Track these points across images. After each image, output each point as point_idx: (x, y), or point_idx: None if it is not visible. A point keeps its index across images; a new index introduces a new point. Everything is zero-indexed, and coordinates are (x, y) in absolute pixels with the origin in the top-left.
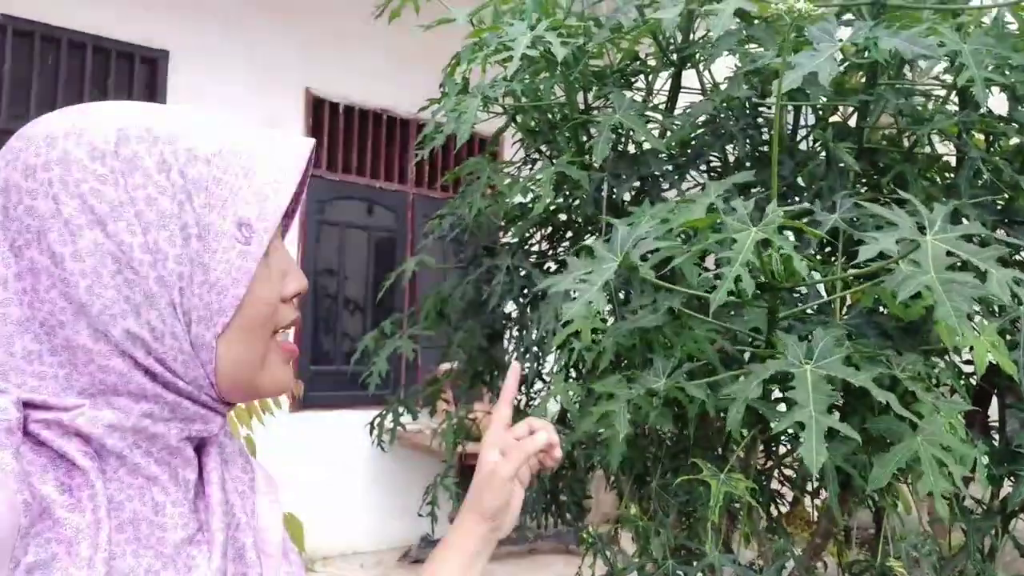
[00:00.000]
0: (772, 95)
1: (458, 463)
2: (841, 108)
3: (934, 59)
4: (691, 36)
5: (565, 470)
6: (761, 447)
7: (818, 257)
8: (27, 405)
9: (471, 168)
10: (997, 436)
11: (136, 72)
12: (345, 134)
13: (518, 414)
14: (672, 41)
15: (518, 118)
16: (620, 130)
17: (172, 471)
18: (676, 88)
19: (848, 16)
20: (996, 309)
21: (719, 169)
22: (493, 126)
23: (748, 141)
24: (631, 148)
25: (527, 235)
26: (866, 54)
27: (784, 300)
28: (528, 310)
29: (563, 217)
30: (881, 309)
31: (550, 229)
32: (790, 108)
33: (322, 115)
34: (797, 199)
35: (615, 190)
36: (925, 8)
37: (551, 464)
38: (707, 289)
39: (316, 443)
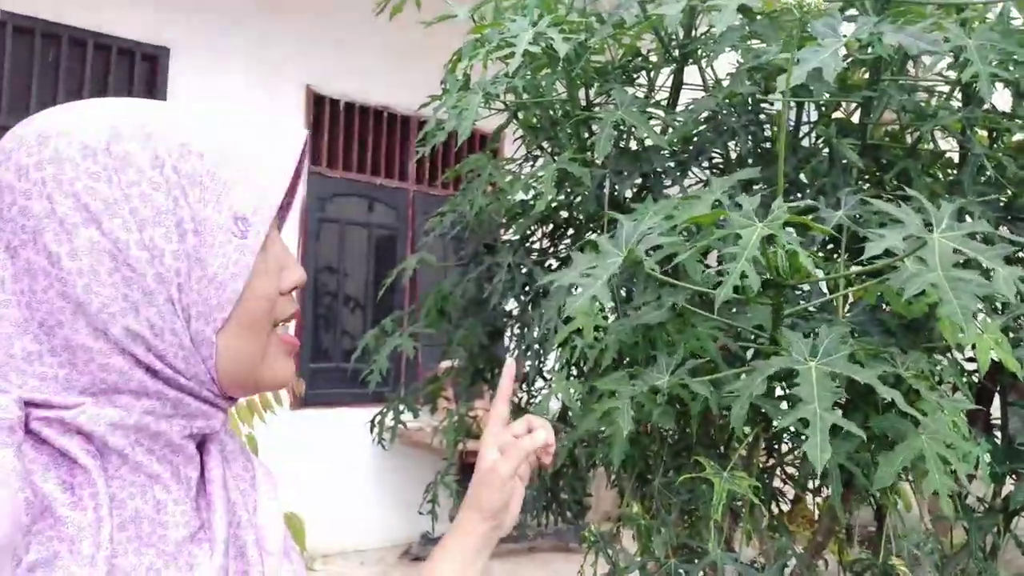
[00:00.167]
0: (775, 91)
1: (459, 461)
2: (844, 104)
3: (938, 55)
4: (693, 32)
5: (566, 468)
6: (763, 445)
7: (821, 254)
8: (28, 404)
9: (472, 165)
10: (999, 434)
11: (137, 69)
12: (345, 131)
13: (519, 412)
14: (674, 37)
15: (520, 115)
16: (622, 126)
17: (174, 469)
18: (678, 84)
19: (851, 11)
20: (999, 307)
21: (721, 166)
22: (493, 123)
23: (750, 138)
24: (633, 145)
25: (528, 232)
26: (870, 50)
27: (788, 297)
28: (529, 308)
29: (564, 214)
30: (884, 306)
31: (551, 226)
32: (793, 104)
33: (322, 112)
34: (800, 196)
35: (617, 187)
36: (930, 3)
37: (547, 462)
38: (711, 286)
39: (316, 441)
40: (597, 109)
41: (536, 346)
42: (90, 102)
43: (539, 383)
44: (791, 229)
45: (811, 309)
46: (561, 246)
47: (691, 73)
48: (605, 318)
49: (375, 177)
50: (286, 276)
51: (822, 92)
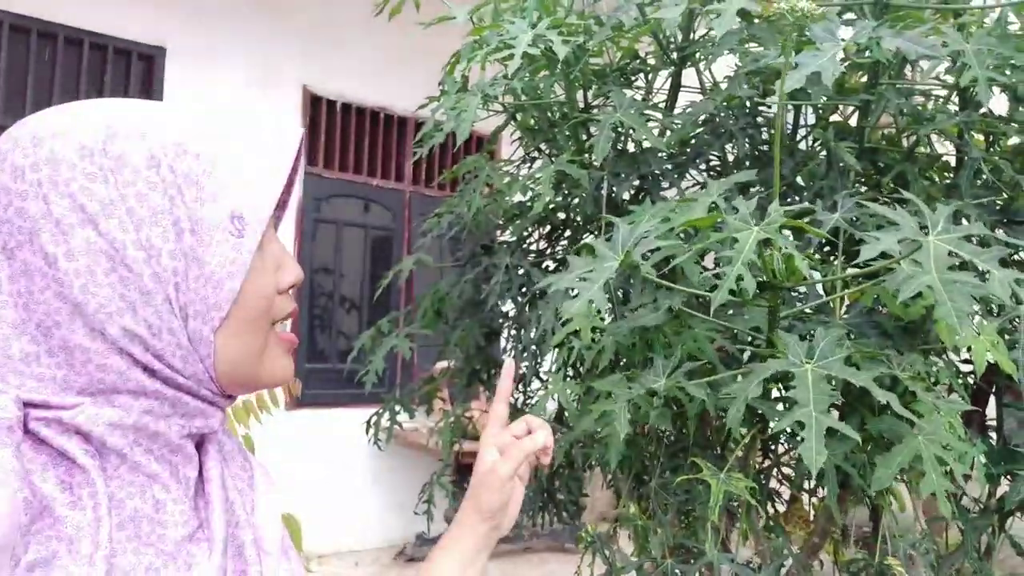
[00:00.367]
0: (773, 95)
1: (454, 462)
2: (841, 107)
3: (936, 59)
4: (691, 35)
5: (562, 468)
6: (759, 446)
7: (817, 256)
8: (27, 404)
9: (470, 166)
10: (995, 435)
11: (133, 69)
12: (342, 132)
13: (516, 413)
14: (673, 40)
15: (518, 116)
16: (620, 129)
17: (173, 468)
18: (676, 87)
19: (849, 15)
20: (995, 309)
21: (719, 168)
22: (490, 125)
23: (748, 140)
24: (631, 147)
25: (526, 233)
26: (867, 54)
27: (784, 299)
28: (526, 309)
29: (562, 216)
30: (881, 308)
31: (549, 228)
32: (790, 107)
33: (319, 113)
34: (797, 198)
35: (615, 189)
36: (928, 8)
37: (545, 462)
38: (708, 288)
39: (312, 442)
40: (595, 111)
41: (533, 347)
42: (85, 103)
43: (535, 384)
44: (788, 232)
45: (807, 311)
46: (558, 247)
47: (689, 76)
48: (602, 320)
49: (371, 178)
50: (283, 275)
51: (820, 95)
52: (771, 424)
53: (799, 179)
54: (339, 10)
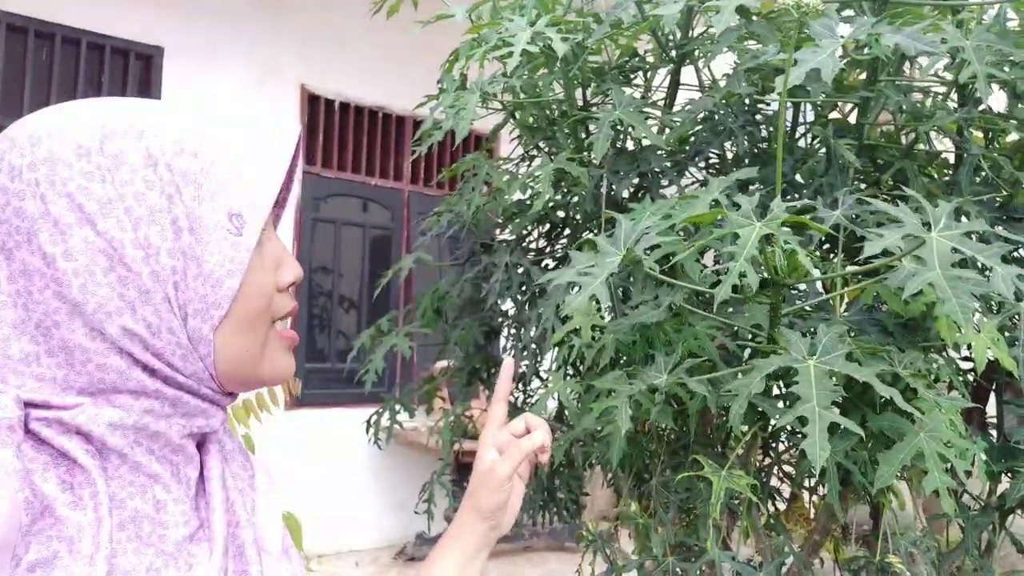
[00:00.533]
0: (772, 92)
1: (454, 461)
2: (840, 104)
3: (935, 56)
4: (690, 32)
5: (562, 467)
6: (760, 444)
7: (818, 254)
8: (28, 404)
9: (468, 165)
10: (995, 432)
11: (131, 68)
12: (341, 131)
13: (515, 411)
14: (672, 37)
15: (517, 114)
16: (619, 126)
17: (174, 468)
18: (675, 84)
19: (848, 12)
20: (995, 306)
21: (718, 166)
22: (488, 123)
23: (747, 138)
24: (630, 145)
25: (525, 232)
26: (866, 50)
27: (786, 296)
28: (526, 307)
29: (561, 214)
30: (881, 306)
31: (548, 226)
32: (789, 105)
33: (318, 112)
34: (797, 196)
35: (614, 187)
36: (926, 4)
37: (544, 460)
38: (709, 285)
39: (312, 441)
40: (594, 109)
41: (533, 345)
42: (82, 102)
43: (535, 383)
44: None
45: (808, 308)
46: (558, 246)
47: (688, 73)
48: (602, 317)
49: (370, 177)
50: (283, 273)
51: (819, 93)
52: (772, 421)
53: (799, 176)
54: (337, 9)
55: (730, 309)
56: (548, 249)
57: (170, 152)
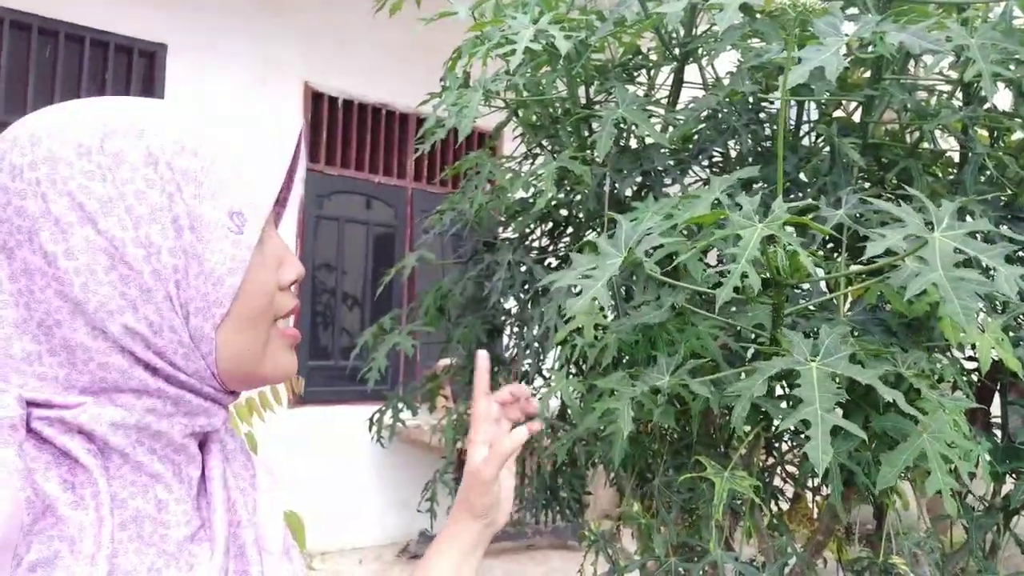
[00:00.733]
0: (775, 90)
1: (457, 459)
2: (844, 103)
3: (940, 54)
4: (694, 30)
5: (565, 466)
6: (763, 444)
7: (821, 253)
8: (29, 404)
9: (471, 163)
10: (999, 433)
11: (134, 65)
12: (344, 128)
13: None
14: (675, 35)
15: (520, 112)
16: (622, 125)
17: (176, 468)
18: (678, 83)
19: (852, 10)
20: (1000, 306)
21: (721, 164)
22: (491, 121)
23: (751, 136)
24: (633, 143)
25: (528, 230)
26: (871, 49)
27: (788, 296)
28: (529, 306)
29: (564, 212)
30: (884, 306)
31: (551, 224)
32: (793, 103)
33: (321, 109)
34: (800, 195)
35: (617, 185)
36: (931, 1)
37: (535, 430)
38: (711, 285)
39: (315, 439)
40: (597, 107)
41: (535, 344)
42: (82, 101)
43: (538, 382)
44: (791, 228)
45: (811, 308)
46: (561, 244)
47: (691, 71)
48: (605, 317)
49: (373, 175)
50: (284, 271)
51: (823, 91)
52: (775, 422)
53: (802, 175)
54: (340, 7)
55: (733, 309)
56: (551, 247)
57: (170, 151)
